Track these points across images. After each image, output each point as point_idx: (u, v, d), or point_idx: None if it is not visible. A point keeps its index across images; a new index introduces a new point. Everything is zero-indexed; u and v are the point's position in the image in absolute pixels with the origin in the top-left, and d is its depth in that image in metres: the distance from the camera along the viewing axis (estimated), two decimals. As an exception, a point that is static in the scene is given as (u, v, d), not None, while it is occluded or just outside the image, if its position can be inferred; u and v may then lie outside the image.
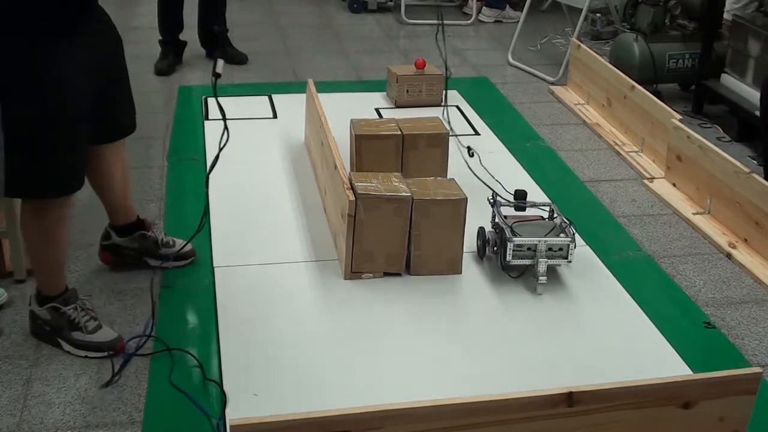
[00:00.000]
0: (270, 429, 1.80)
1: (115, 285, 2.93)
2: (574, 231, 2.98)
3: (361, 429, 1.85)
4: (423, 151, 3.41)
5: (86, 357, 2.56)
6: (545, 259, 2.89)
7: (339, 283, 2.94)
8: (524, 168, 3.84)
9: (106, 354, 2.55)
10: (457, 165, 3.55)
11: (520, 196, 3.18)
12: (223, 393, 2.38)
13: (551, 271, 2.99)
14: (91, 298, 2.84)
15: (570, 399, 1.93)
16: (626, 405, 1.98)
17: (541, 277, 2.88)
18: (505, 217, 3.04)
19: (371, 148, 3.39)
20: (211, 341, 2.62)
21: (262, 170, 3.75)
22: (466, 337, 2.70)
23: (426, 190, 2.96)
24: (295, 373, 2.49)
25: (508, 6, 6.38)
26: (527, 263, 2.93)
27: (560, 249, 2.92)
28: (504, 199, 3.19)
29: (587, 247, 3.23)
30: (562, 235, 2.96)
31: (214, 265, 3.02)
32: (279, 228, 3.28)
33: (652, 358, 2.62)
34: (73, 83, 2.37)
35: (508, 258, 2.91)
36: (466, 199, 2.96)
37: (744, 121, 4.25)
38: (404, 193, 2.91)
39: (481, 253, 3.10)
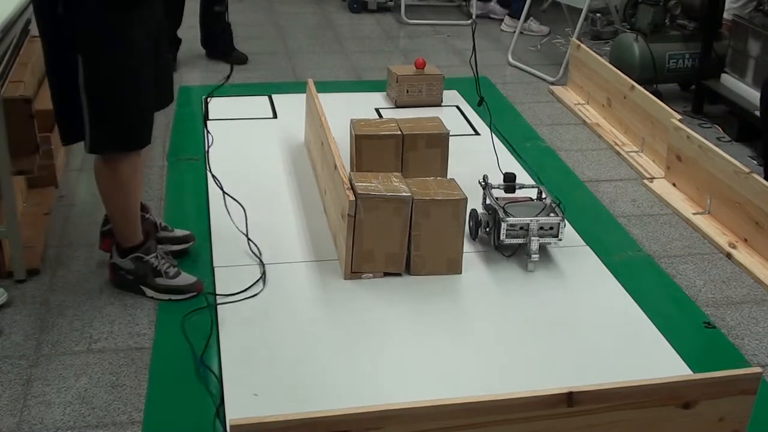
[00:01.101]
0: (270, 429, 1.80)
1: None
2: (563, 210, 3.10)
3: (361, 429, 1.85)
4: (423, 151, 3.41)
5: (169, 300, 2.80)
6: (537, 238, 3.01)
7: (339, 283, 2.94)
8: (524, 168, 3.84)
9: (188, 296, 2.80)
10: (457, 165, 3.54)
11: (510, 178, 3.30)
12: (222, 392, 2.38)
13: (552, 272, 2.99)
14: (92, 298, 2.85)
15: (570, 399, 1.93)
16: (626, 405, 1.98)
17: (533, 255, 2.99)
18: (497, 198, 3.15)
19: (371, 148, 3.39)
20: (211, 341, 2.62)
21: (262, 170, 3.75)
22: (466, 337, 2.70)
23: (426, 190, 2.96)
24: (295, 373, 2.49)
25: (531, 19, 6.24)
26: (520, 242, 3.05)
27: (551, 228, 3.04)
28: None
29: (587, 247, 3.23)
30: (552, 214, 3.08)
31: (214, 265, 3.02)
32: (279, 228, 3.28)
33: (652, 358, 2.62)
34: (144, 46, 2.60)
35: (502, 237, 3.02)
36: (466, 199, 2.96)
37: (744, 121, 4.25)
38: (404, 193, 2.91)
39: (473, 234, 3.15)
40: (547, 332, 2.73)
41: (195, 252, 3.10)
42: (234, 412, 2.27)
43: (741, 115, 4.28)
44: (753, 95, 4.17)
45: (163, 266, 2.82)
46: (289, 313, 2.77)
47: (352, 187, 2.91)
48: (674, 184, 3.74)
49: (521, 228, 3.03)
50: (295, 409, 1.90)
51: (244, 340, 2.63)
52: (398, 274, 2.98)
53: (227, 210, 3.38)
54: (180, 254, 3.03)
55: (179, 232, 3.09)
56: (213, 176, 2.49)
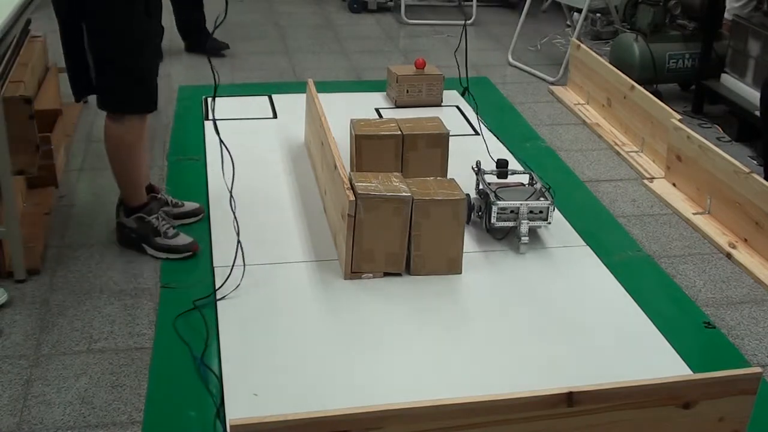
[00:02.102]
0: (270, 429, 1.80)
1: (115, 285, 2.93)
2: (553, 195, 3.21)
3: (361, 429, 1.85)
4: (423, 151, 3.41)
5: (167, 259, 3.03)
6: (527, 221, 3.12)
7: (339, 283, 2.94)
8: (524, 168, 3.84)
9: (184, 255, 3.04)
10: (457, 165, 3.55)
11: (502, 164, 3.43)
12: (222, 392, 2.38)
13: (552, 272, 2.99)
14: (92, 298, 2.86)
15: (570, 399, 1.93)
16: (626, 405, 1.98)
17: (523, 237, 3.10)
18: (489, 183, 3.26)
19: (371, 148, 3.39)
20: (211, 341, 2.62)
21: (262, 170, 3.75)
22: (466, 337, 2.70)
23: (426, 190, 2.96)
24: (295, 373, 2.49)
25: None
26: (511, 225, 3.16)
27: (540, 211, 3.15)
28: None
29: (587, 247, 3.23)
30: (542, 198, 3.19)
31: (214, 265, 3.02)
32: (279, 228, 3.28)
33: (652, 358, 2.62)
34: (156, 21, 2.99)
35: (493, 221, 3.14)
36: (465, 198, 2.96)
37: (744, 121, 4.25)
38: (404, 193, 2.91)
39: (467, 219, 3.18)
40: (547, 332, 2.73)
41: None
42: (234, 412, 2.27)
43: (741, 115, 4.28)
44: (753, 95, 4.17)
45: (162, 227, 3.06)
46: (289, 313, 2.77)
47: (352, 187, 2.91)
48: (674, 184, 3.74)
49: (511, 211, 3.14)
50: (295, 409, 1.90)
51: (244, 340, 2.63)
52: (398, 274, 2.98)
53: (232, 208, 3.38)
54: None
55: (189, 206, 3.31)
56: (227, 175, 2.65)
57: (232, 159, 2.74)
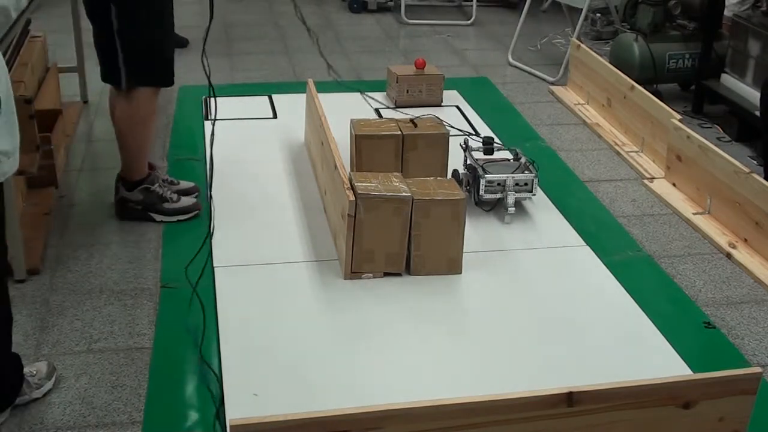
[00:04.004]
0: (270, 429, 1.81)
1: (115, 285, 2.93)
2: (537, 169, 3.40)
3: (361, 429, 1.85)
4: (423, 151, 3.42)
5: (177, 221, 3.27)
6: (513, 193, 3.32)
7: (339, 283, 2.94)
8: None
9: (192, 214, 3.30)
10: (457, 165, 3.55)
11: (488, 141, 3.62)
12: (222, 392, 2.38)
13: (552, 272, 2.99)
14: (92, 298, 2.86)
15: (570, 399, 1.93)
16: (626, 405, 1.98)
17: (509, 208, 3.31)
18: (476, 159, 3.46)
19: (371, 148, 3.39)
20: (211, 341, 2.62)
21: (262, 170, 3.75)
22: (466, 337, 2.70)
23: (426, 190, 2.96)
24: (295, 373, 2.49)
25: None
26: (497, 197, 3.35)
27: (526, 184, 3.35)
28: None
29: (587, 247, 3.23)
30: (526, 171, 3.38)
31: (214, 265, 3.02)
32: (279, 228, 3.28)
33: (652, 358, 2.62)
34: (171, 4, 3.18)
35: (481, 193, 3.33)
36: (466, 198, 2.96)
37: (744, 121, 4.25)
38: (404, 193, 2.91)
39: None
40: (547, 332, 2.73)
41: (195, 251, 3.10)
42: (234, 412, 2.27)
43: (741, 115, 4.28)
44: (753, 95, 4.17)
45: (167, 193, 3.31)
46: (289, 313, 2.77)
47: (352, 187, 2.91)
48: (674, 184, 3.74)
49: (498, 184, 3.33)
50: (295, 409, 1.90)
51: (244, 340, 2.63)
52: (398, 274, 2.98)
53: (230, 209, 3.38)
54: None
55: (184, 185, 3.45)
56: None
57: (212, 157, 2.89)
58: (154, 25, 3.05)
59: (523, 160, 3.46)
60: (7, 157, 2.05)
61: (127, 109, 3.14)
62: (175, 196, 3.32)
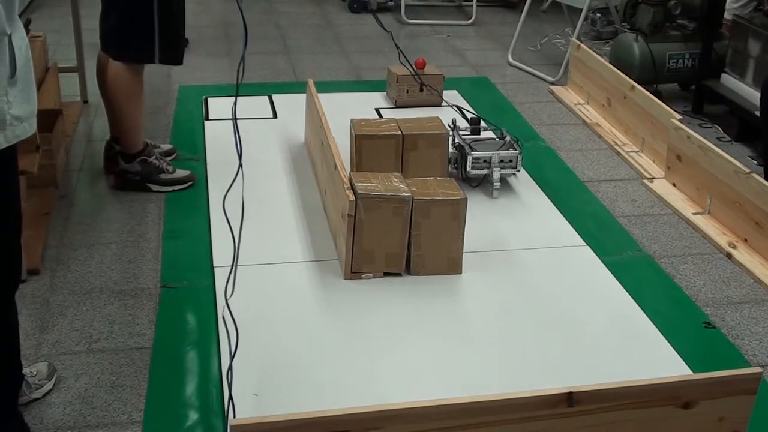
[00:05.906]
0: (270, 429, 1.81)
1: (115, 285, 2.93)
2: (521, 147, 3.59)
3: (361, 429, 1.85)
4: (423, 151, 3.42)
5: (173, 191, 3.48)
6: (498, 169, 3.52)
7: (339, 283, 2.94)
8: (524, 168, 3.84)
9: (187, 185, 3.52)
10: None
11: (475, 122, 3.85)
12: (222, 392, 2.38)
13: (552, 272, 2.99)
14: (92, 298, 2.85)
15: (570, 399, 1.93)
16: (626, 405, 1.98)
17: (495, 183, 3.51)
18: (464, 138, 3.66)
19: (371, 148, 3.39)
20: (211, 341, 2.62)
21: (262, 170, 3.75)
22: (466, 337, 2.70)
23: (426, 190, 2.96)
24: (295, 373, 2.49)
25: None
26: (484, 173, 3.55)
27: (510, 161, 3.55)
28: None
29: (587, 247, 3.23)
30: (511, 149, 3.58)
31: (214, 265, 3.02)
32: (279, 228, 3.28)
33: (652, 358, 2.62)
34: None
35: (469, 169, 3.52)
36: (466, 199, 2.96)
37: (744, 121, 4.25)
38: (404, 193, 2.91)
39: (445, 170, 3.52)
40: (547, 332, 2.73)
41: (195, 251, 3.10)
42: (234, 412, 2.27)
43: (741, 115, 4.28)
44: (753, 95, 4.17)
45: (163, 164, 3.52)
46: (289, 313, 2.77)
47: (352, 187, 2.91)
48: (674, 184, 3.74)
49: (484, 161, 3.52)
50: (295, 409, 1.90)
51: (244, 339, 2.63)
52: (398, 274, 2.98)
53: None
54: None
55: (180, 173, 3.59)
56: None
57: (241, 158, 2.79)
58: (183, 10, 3.42)
59: (507, 138, 3.66)
60: (20, 122, 2.05)
61: (130, 84, 3.37)
62: (170, 168, 3.53)
